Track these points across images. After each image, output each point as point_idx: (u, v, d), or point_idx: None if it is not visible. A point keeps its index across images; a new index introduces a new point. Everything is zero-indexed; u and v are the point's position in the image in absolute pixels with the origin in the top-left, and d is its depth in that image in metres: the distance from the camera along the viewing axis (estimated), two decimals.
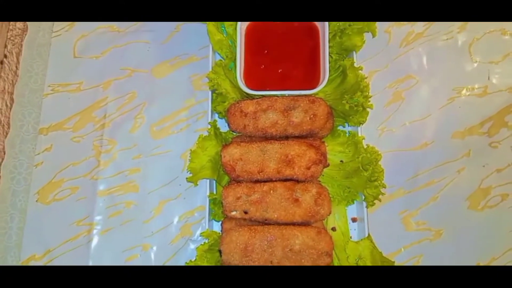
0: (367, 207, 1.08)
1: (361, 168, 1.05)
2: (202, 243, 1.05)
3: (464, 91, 1.24)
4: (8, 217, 1.17)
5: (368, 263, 1.04)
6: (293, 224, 1.03)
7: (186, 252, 1.15)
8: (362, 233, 1.09)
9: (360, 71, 1.10)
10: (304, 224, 1.03)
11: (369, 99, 1.08)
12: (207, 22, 1.16)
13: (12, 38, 1.25)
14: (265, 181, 1.06)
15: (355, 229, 1.13)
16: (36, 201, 1.19)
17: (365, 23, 1.13)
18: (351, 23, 1.13)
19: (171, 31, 1.31)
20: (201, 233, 1.08)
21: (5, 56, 1.23)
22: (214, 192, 1.12)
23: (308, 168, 1.03)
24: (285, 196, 1.03)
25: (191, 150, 1.10)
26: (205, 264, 1.02)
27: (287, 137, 1.09)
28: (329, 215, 1.04)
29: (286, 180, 1.06)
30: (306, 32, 1.17)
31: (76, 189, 1.20)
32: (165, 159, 1.22)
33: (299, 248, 0.99)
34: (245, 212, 1.03)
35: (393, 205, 1.17)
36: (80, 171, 1.21)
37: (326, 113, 1.08)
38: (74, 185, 1.20)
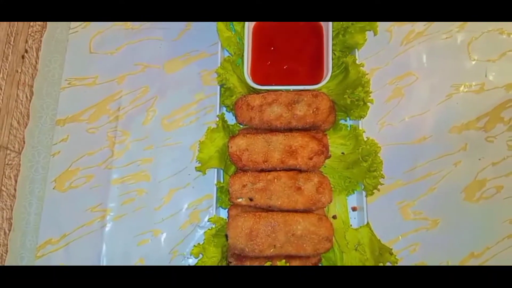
0: (366, 196, 1.11)
1: (361, 159, 1.07)
2: (210, 228, 1.09)
3: (462, 88, 1.26)
4: (27, 203, 1.21)
5: (367, 250, 1.08)
6: (296, 211, 1.06)
7: (194, 237, 1.18)
8: (362, 221, 1.12)
9: (361, 68, 1.12)
10: (306, 211, 1.07)
11: (370, 94, 1.11)
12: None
13: (32, 34, 1.30)
14: (269, 171, 1.09)
15: (355, 218, 1.16)
16: (53, 188, 1.23)
17: (367, 22, 1.15)
18: (354, 22, 1.15)
19: (182, 29, 1.34)
20: (209, 219, 1.12)
21: (26, 51, 1.28)
22: (221, 181, 1.16)
23: (311, 159, 1.07)
24: (288, 184, 1.06)
25: (200, 141, 1.13)
26: (212, 247, 1.07)
27: (291, 130, 1.12)
28: (330, 203, 1.07)
29: (289, 169, 1.09)
30: (311, 30, 1.19)
31: (91, 178, 1.24)
32: (175, 150, 1.25)
33: (301, 233, 1.03)
34: (251, 199, 1.06)
35: (392, 196, 1.20)
36: (95, 161, 1.25)
37: (329, 107, 1.11)
38: (89, 174, 1.24)
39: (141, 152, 1.25)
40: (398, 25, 1.32)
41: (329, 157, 1.14)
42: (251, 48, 1.19)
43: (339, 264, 1.09)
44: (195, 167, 1.16)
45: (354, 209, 1.18)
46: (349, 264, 1.07)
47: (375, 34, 1.19)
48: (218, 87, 1.20)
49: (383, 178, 1.08)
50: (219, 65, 1.19)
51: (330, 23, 1.16)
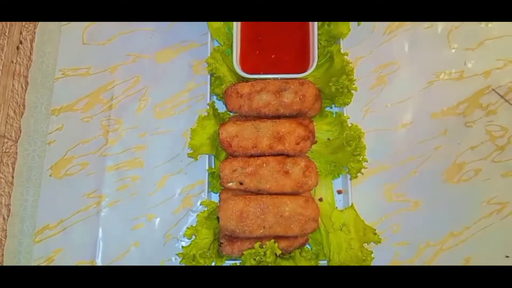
0: (351, 179, 1.15)
1: (345, 144, 1.11)
2: (202, 211, 1.12)
3: (442, 75, 1.30)
4: (24, 190, 1.24)
5: (352, 230, 1.11)
6: (284, 193, 1.10)
7: (187, 221, 1.22)
8: (347, 204, 1.16)
9: (346, 57, 1.15)
10: (294, 194, 1.10)
11: (354, 82, 1.14)
12: None
13: (26, 25, 1.31)
14: (258, 156, 1.12)
15: (340, 200, 1.20)
16: (50, 175, 1.25)
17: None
18: None
19: None
20: (201, 202, 1.16)
21: (21, 42, 1.29)
22: (213, 167, 1.19)
23: (297, 144, 1.10)
24: (277, 168, 1.10)
25: (191, 129, 1.16)
26: (204, 229, 1.11)
27: (278, 116, 1.15)
28: (316, 186, 1.11)
29: (277, 154, 1.12)
30: (297, 21, 1.20)
31: (86, 165, 1.26)
32: (167, 137, 1.27)
33: (288, 215, 1.07)
34: (241, 183, 1.10)
35: (375, 179, 1.24)
36: (90, 149, 1.27)
37: (314, 94, 1.14)
38: (84, 161, 1.26)
39: (135, 140, 1.28)
40: None
41: (315, 142, 1.18)
42: (240, 38, 1.21)
43: (325, 243, 1.13)
44: (187, 154, 1.19)
45: (339, 192, 1.22)
46: (335, 243, 1.12)
47: (358, 24, 1.23)
48: (209, 76, 1.22)
49: (367, 162, 1.12)
50: (209, 55, 1.21)
51: None
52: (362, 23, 1.22)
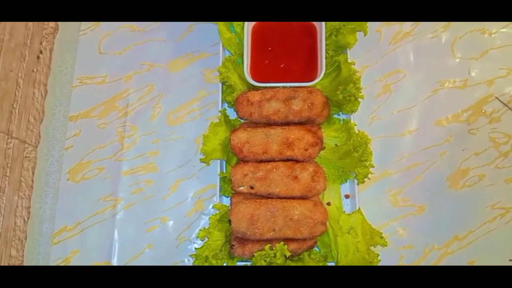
0: (358, 184, 1.18)
1: (352, 150, 1.14)
2: (214, 214, 1.16)
3: (446, 84, 1.33)
4: (43, 193, 1.28)
5: (359, 233, 1.14)
6: (293, 197, 1.13)
7: (199, 224, 1.25)
8: (354, 208, 1.18)
9: (353, 66, 1.18)
10: (303, 198, 1.13)
11: (361, 90, 1.17)
12: (218, 22, 1.24)
13: (46, 36, 1.36)
14: (268, 161, 1.15)
15: (347, 204, 1.23)
16: (67, 179, 1.29)
17: (358, 23, 1.21)
18: (345, 23, 1.21)
19: (185, 30, 1.40)
20: (213, 206, 1.19)
21: (41, 52, 1.34)
22: (224, 171, 1.22)
23: (306, 150, 1.14)
24: (286, 173, 1.13)
25: (203, 135, 1.19)
26: (216, 231, 1.15)
27: (288, 123, 1.18)
28: (324, 190, 1.14)
29: (287, 160, 1.15)
30: (306, 31, 1.25)
31: (103, 169, 1.30)
32: (180, 143, 1.31)
33: (298, 218, 1.10)
34: (251, 187, 1.13)
35: (382, 184, 1.26)
36: (106, 154, 1.30)
37: (323, 102, 1.17)
38: (101, 166, 1.30)
39: (149, 146, 1.31)
40: (387, 26, 1.38)
41: (323, 148, 1.21)
42: (251, 48, 1.25)
43: (333, 246, 1.17)
44: (200, 159, 1.23)
45: (347, 196, 1.25)
46: (342, 246, 1.15)
47: (365, 35, 1.25)
48: (220, 85, 1.25)
49: (373, 167, 1.15)
50: (220, 64, 1.24)
51: (323, 24, 1.22)
52: (369, 33, 1.24)
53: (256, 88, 1.22)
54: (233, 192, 1.18)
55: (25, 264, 1.23)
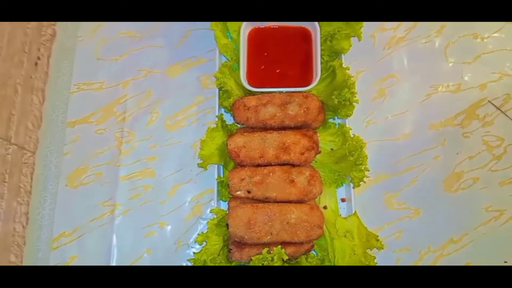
0: (353, 187, 1.19)
1: (348, 154, 1.15)
2: (212, 218, 1.17)
3: (440, 88, 1.35)
4: (41, 199, 1.29)
5: (355, 236, 1.15)
6: (290, 201, 1.14)
7: (197, 228, 1.26)
8: (350, 211, 1.20)
9: (347, 71, 1.19)
10: (299, 201, 1.14)
11: (356, 95, 1.18)
12: (214, 28, 1.25)
13: (43, 42, 1.37)
14: (265, 165, 1.16)
15: (344, 208, 1.24)
16: (65, 185, 1.29)
17: (352, 29, 1.23)
18: (340, 29, 1.23)
19: (181, 36, 1.41)
20: (211, 210, 1.20)
21: (38, 58, 1.35)
22: (222, 176, 1.23)
23: (302, 154, 1.15)
24: (283, 177, 1.14)
25: (201, 140, 1.20)
26: (214, 236, 1.16)
27: (284, 128, 1.19)
28: (320, 194, 1.16)
29: (283, 164, 1.16)
30: (301, 37, 1.27)
31: (100, 175, 1.30)
32: (178, 148, 1.31)
33: (294, 222, 1.11)
34: (248, 192, 1.14)
35: (377, 188, 1.27)
36: (104, 159, 1.31)
37: (318, 107, 1.19)
38: (99, 171, 1.31)
39: (147, 151, 1.32)
40: (381, 31, 1.40)
41: (319, 152, 1.22)
42: (247, 53, 1.26)
43: (329, 249, 1.18)
44: (197, 164, 1.24)
45: (343, 200, 1.26)
46: (339, 249, 1.16)
47: (359, 40, 1.26)
48: (217, 90, 1.26)
49: (369, 171, 1.16)
50: (217, 69, 1.26)
51: (318, 30, 1.24)
52: (363, 38, 1.26)
53: (253, 93, 1.24)
54: (231, 196, 1.19)
55: None
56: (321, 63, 1.23)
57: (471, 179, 1.29)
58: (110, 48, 1.42)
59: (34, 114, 1.34)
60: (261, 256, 1.09)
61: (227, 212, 1.17)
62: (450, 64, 1.38)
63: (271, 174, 1.15)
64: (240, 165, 1.18)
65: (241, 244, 1.14)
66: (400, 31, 1.40)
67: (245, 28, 1.28)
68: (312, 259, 1.15)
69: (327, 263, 1.17)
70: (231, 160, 1.21)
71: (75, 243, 1.27)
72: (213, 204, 1.22)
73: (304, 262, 1.13)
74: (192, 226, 1.27)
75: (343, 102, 1.19)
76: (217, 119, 1.23)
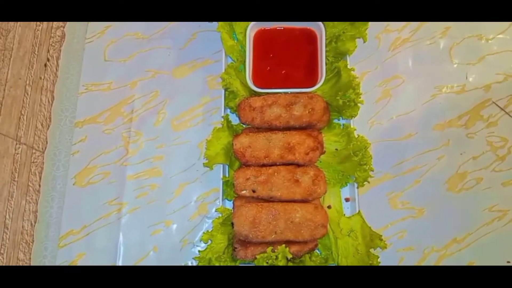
0: (358, 187, 1.20)
1: (352, 154, 1.16)
2: (217, 217, 1.18)
3: (444, 89, 1.35)
4: (50, 198, 1.30)
5: (359, 236, 1.17)
6: (294, 201, 1.15)
7: (203, 227, 1.27)
8: (354, 211, 1.20)
9: (352, 72, 1.20)
10: (304, 201, 1.16)
11: (360, 96, 1.19)
12: (221, 30, 1.27)
13: (53, 44, 1.40)
14: (270, 165, 1.17)
15: (348, 208, 1.25)
16: (73, 184, 1.31)
17: (357, 30, 1.24)
18: (345, 30, 1.24)
19: (188, 38, 1.42)
20: (216, 209, 1.21)
21: (48, 60, 1.38)
22: (227, 175, 1.24)
23: (307, 154, 1.16)
24: (287, 177, 1.15)
25: (207, 140, 1.22)
26: (219, 234, 1.17)
27: (289, 128, 1.21)
28: (325, 193, 1.17)
29: (288, 164, 1.17)
30: (306, 38, 1.28)
31: (108, 174, 1.32)
32: (184, 148, 1.33)
33: (299, 221, 1.12)
34: (253, 191, 1.15)
35: (381, 188, 1.28)
36: (111, 159, 1.33)
37: (323, 107, 1.20)
38: (106, 171, 1.32)
39: (153, 150, 1.33)
40: (386, 32, 1.40)
41: (324, 153, 1.23)
42: (252, 55, 1.27)
43: (333, 248, 1.19)
44: (203, 163, 1.25)
45: (347, 200, 1.27)
46: (343, 248, 1.17)
47: (364, 41, 1.27)
48: (223, 91, 1.28)
49: (373, 171, 1.16)
50: (223, 70, 1.27)
51: (324, 31, 1.25)
52: (368, 40, 1.27)
53: (258, 94, 1.25)
54: (236, 195, 1.20)
55: None
56: (326, 64, 1.24)
57: (474, 180, 1.29)
58: (118, 50, 1.44)
59: (43, 114, 1.36)
60: (265, 254, 1.10)
61: (232, 211, 1.18)
62: (455, 65, 1.38)
63: (276, 173, 1.16)
64: (245, 165, 1.20)
65: (245, 242, 1.15)
66: (405, 33, 1.41)
67: (251, 29, 1.29)
68: (316, 258, 1.16)
69: (330, 262, 1.18)
70: (237, 160, 1.22)
71: (83, 241, 1.28)
72: (218, 203, 1.23)
73: (308, 260, 1.14)
74: (198, 225, 1.28)
75: (347, 103, 1.20)
76: (223, 120, 1.24)
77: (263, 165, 1.18)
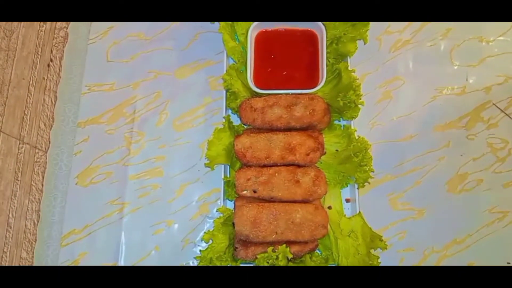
0: (358, 188, 1.20)
1: (352, 155, 1.16)
2: (218, 217, 1.19)
3: (445, 91, 1.35)
4: (52, 197, 1.31)
5: (359, 236, 1.17)
6: (295, 201, 1.16)
7: (204, 227, 1.28)
8: (355, 212, 1.20)
9: (353, 73, 1.21)
10: (304, 201, 1.16)
11: (361, 97, 1.19)
12: (222, 32, 1.27)
13: (56, 45, 1.41)
14: (271, 166, 1.18)
15: (348, 208, 1.25)
16: (76, 184, 1.32)
17: (358, 32, 1.24)
18: (346, 32, 1.25)
19: (190, 39, 1.43)
20: (217, 209, 1.22)
21: (51, 60, 1.39)
22: (228, 176, 1.25)
23: (308, 155, 1.17)
24: (288, 178, 1.16)
25: (208, 140, 1.22)
26: (221, 234, 1.18)
27: (290, 129, 1.21)
28: (325, 194, 1.17)
29: (288, 164, 1.18)
30: (307, 40, 1.29)
31: (110, 174, 1.33)
32: (185, 148, 1.33)
33: (299, 221, 1.13)
34: (254, 191, 1.16)
35: (382, 189, 1.28)
36: (113, 159, 1.34)
37: (323, 108, 1.20)
38: (108, 171, 1.33)
39: (155, 151, 1.34)
40: (386, 34, 1.41)
41: (325, 153, 1.24)
42: (254, 56, 1.28)
43: (333, 248, 1.19)
44: (204, 164, 1.26)
45: (347, 200, 1.27)
46: (343, 249, 1.18)
47: (365, 43, 1.28)
48: (224, 92, 1.28)
49: (373, 172, 1.17)
50: (224, 72, 1.28)
51: (325, 33, 1.26)
52: (369, 41, 1.27)
53: (259, 95, 1.25)
54: (237, 196, 1.21)
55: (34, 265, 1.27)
56: (327, 65, 1.24)
57: (475, 181, 1.29)
58: (120, 51, 1.44)
59: (46, 114, 1.37)
60: (266, 254, 1.11)
61: (233, 211, 1.19)
62: (455, 67, 1.38)
63: (276, 174, 1.17)
64: (246, 165, 1.20)
65: (246, 242, 1.16)
66: (406, 34, 1.41)
67: (253, 31, 1.30)
68: (316, 258, 1.17)
69: (331, 262, 1.19)
70: (238, 160, 1.23)
71: (85, 241, 1.29)
72: (219, 203, 1.24)
73: (308, 261, 1.15)
74: (199, 225, 1.29)
75: (348, 104, 1.20)
76: (224, 120, 1.25)
77: (264, 166, 1.19)
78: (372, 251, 1.16)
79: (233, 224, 1.15)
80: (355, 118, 1.25)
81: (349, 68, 1.23)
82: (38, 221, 1.30)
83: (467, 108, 1.35)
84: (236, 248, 1.17)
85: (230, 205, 1.26)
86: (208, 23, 1.41)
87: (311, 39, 1.30)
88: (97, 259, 1.28)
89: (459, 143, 1.32)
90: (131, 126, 1.37)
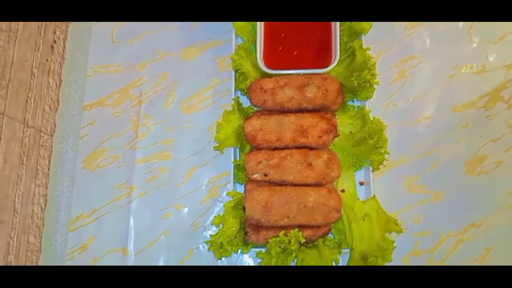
0: (373, 171, 1.17)
1: (367, 137, 1.13)
2: (228, 201, 1.17)
3: (463, 69, 1.31)
4: (59, 181, 1.29)
5: (374, 220, 1.15)
6: (307, 185, 1.13)
7: (214, 211, 1.26)
8: (369, 195, 1.18)
9: (367, 52, 1.17)
10: (317, 185, 1.13)
11: (376, 76, 1.16)
12: None
13: (59, 25, 1.36)
14: (282, 148, 1.15)
15: (362, 192, 1.23)
16: (83, 168, 1.30)
17: None
18: None
19: None
20: (227, 193, 1.20)
21: (54, 42, 1.35)
22: (238, 159, 1.23)
23: (320, 137, 1.14)
24: (300, 161, 1.13)
25: (217, 123, 1.20)
26: (231, 218, 1.16)
27: (301, 111, 1.18)
28: (338, 177, 1.14)
29: (300, 147, 1.15)
30: None
31: (117, 158, 1.31)
32: (194, 131, 1.31)
33: (312, 205, 1.10)
34: (265, 175, 1.13)
35: (397, 171, 1.25)
36: (121, 142, 1.32)
37: (337, 89, 1.17)
38: (116, 154, 1.31)
39: (163, 134, 1.32)
40: None
41: (338, 135, 1.20)
42: (264, 35, 1.24)
43: (347, 232, 1.17)
44: (213, 147, 1.23)
45: (361, 183, 1.24)
46: (357, 233, 1.15)
47: None
48: (233, 72, 1.26)
49: (388, 154, 1.14)
50: (233, 51, 1.24)
51: None
52: None
53: (269, 76, 1.22)
54: (247, 179, 1.19)
55: (43, 250, 1.25)
56: (340, 44, 1.20)
57: (494, 163, 1.26)
58: (125, 31, 1.41)
59: (51, 97, 1.34)
60: (278, 238, 1.09)
61: (244, 195, 1.17)
62: (474, 45, 1.34)
63: (288, 157, 1.14)
64: (257, 148, 1.18)
65: (257, 226, 1.14)
66: None
67: None
68: (329, 243, 1.14)
69: (344, 246, 1.16)
70: (248, 143, 1.20)
71: (93, 225, 1.28)
72: (229, 187, 1.22)
73: (321, 245, 1.12)
74: (209, 209, 1.27)
75: (363, 84, 1.17)
76: (233, 102, 1.22)
77: (275, 149, 1.17)
78: (386, 235, 1.13)
79: (244, 208, 1.13)
80: (369, 99, 1.21)
81: (364, 47, 1.20)
82: (45, 206, 1.28)
83: (487, 88, 1.31)
84: (247, 232, 1.15)
85: (240, 188, 1.24)
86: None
87: None
88: (105, 243, 1.27)
89: (478, 123, 1.28)
90: (138, 109, 1.35)
